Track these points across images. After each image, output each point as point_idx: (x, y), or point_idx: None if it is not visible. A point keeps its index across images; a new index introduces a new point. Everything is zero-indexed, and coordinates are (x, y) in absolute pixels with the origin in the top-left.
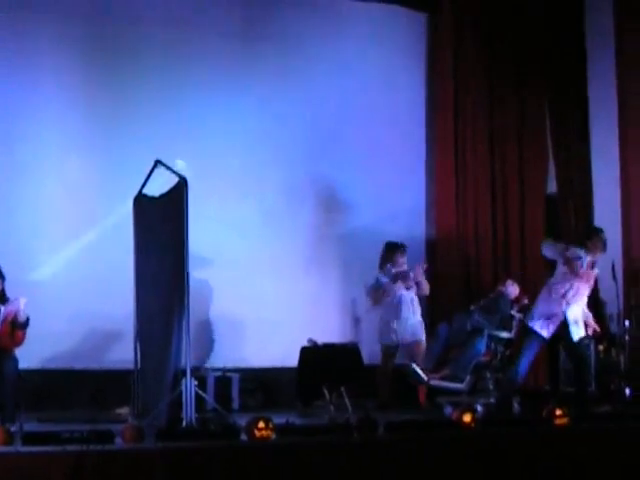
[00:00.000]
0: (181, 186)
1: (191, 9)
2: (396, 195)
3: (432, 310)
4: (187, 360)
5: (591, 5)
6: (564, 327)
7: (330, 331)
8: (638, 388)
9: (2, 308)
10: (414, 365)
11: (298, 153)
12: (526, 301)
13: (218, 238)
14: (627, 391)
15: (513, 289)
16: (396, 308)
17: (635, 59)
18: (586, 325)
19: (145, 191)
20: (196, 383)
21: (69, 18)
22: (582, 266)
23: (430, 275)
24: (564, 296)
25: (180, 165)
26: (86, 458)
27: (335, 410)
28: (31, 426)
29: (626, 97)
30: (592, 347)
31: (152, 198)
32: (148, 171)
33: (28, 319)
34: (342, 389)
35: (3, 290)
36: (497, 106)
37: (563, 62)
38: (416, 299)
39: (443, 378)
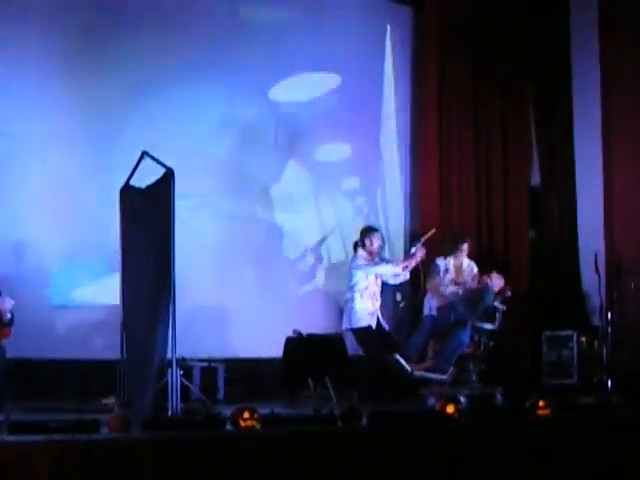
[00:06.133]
0: (168, 177)
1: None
2: (380, 188)
3: (416, 301)
4: (173, 350)
5: (576, 6)
6: None
7: (315, 322)
8: (620, 380)
9: None
10: (397, 356)
11: (283, 146)
12: (509, 293)
13: (204, 229)
14: (609, 383)
15: (498, 281)
16: None
17: (619, 53)
18: None
19: (132, 182)
20: (182, 373)
21: (53, 10)
22: None
23: (414, 267)
24: None
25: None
26: (72, 448)
27: (320, 400)
28: (17, 415)
29: (610, 91)
30: (575, 339)
31: (139, 189)
32: (134, 163)
33: (12, 318)
34: (327, 379)
35: None
36: (481, 99)
37: (547, 56)
38: None
39: (426, 369)
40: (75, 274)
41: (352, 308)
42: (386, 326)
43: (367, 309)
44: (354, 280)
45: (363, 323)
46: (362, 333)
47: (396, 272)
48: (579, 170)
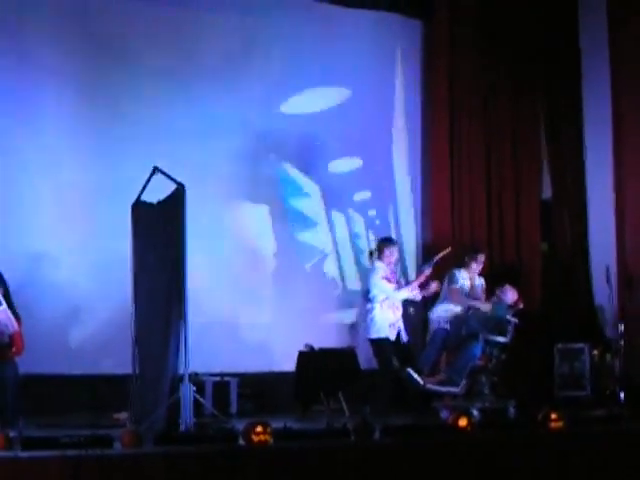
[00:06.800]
0: (179, 192)
1: (188, 14)
2: (392, 201)
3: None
4: (185, 365)
5: (584, 13)
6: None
7: (327, 336)
8: (633, 392)
9: None
10: (409, 369)
11: (294, 158)
12: (521, 306)
13: (215, 244)
14: (622, 395)
15: (511, 294)
16: None
17: (629, 65)
18: None
19: (143, 197)
20: (194, 388)
21: (68, 21)
22: None
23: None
24: None
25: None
26: (85, 463)
27: (332, 414)
28: (30, 431)
29: (620, 104)
30: (587, 352)
31: (150, 204)
32: (146, 178)
33: (12, 340)
34: (339, 393)
35: (7, 298)
36: (492, 112)
37: (558, 69)
38: None
39: (439, 382)
40: (86, 289)
41: (372, 319)
42: (405, 338)
43: (388, 320)
44: (373, 292)
45: (382, 334)
46: (379, 344)
47: (413, 296)
48: (590, 183)
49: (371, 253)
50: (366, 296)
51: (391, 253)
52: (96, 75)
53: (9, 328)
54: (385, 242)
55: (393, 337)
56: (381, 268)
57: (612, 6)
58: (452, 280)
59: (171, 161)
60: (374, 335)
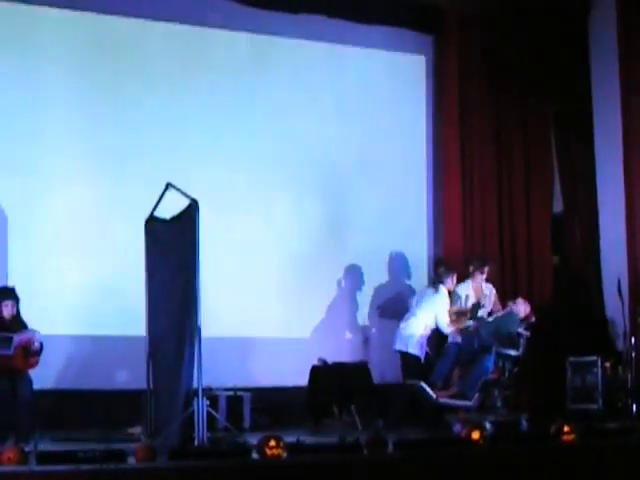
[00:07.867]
0: (192, 208)
1: (198, 36)
2: (404, 214)
3: None
4: (199, 380)
5: (595, 31)
6: None
7: (340, 350)
8: None
9: (15, 336)
10: (422, 383)
11: (305, 174)
12: (533, 319)
13: (229, 259)
14: (634, 408)
15: (524, 307)
16: None
17: (639, 78)
18: None
19: (156, 213)
20: (208, 402)
21: (77, 38)
22: None
23: None
24: None
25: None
26: (99, 477)
27: (345, 428)
28: (45, 446)
29: (631, 116)
30: (599, 364)
31: (163, 220)
32: (159, 194)
33: (41, 347)
34: (352, 407)
35: (19, 313)
36: (503, 127)
37: (568, 81)
38: None
39: (452, 396)
40: (100, 305)
41: (412, 335)
42: (428, 352)
43: (422, 338)
44: (425, 313)
45: (416, 351)
46: (410, 359)
47: (446, 330)
48: (601, 196)
49: (434, 282)
50: (413, 309)
51: (452, 280)
52: (108, 92)
53: (35, 343)
54: (449, 270)
55: (423, 355)
56: (446, 297)
57: (622, 21)
58: (453, 300)
59: (184, 177)
60: (410, 350)
